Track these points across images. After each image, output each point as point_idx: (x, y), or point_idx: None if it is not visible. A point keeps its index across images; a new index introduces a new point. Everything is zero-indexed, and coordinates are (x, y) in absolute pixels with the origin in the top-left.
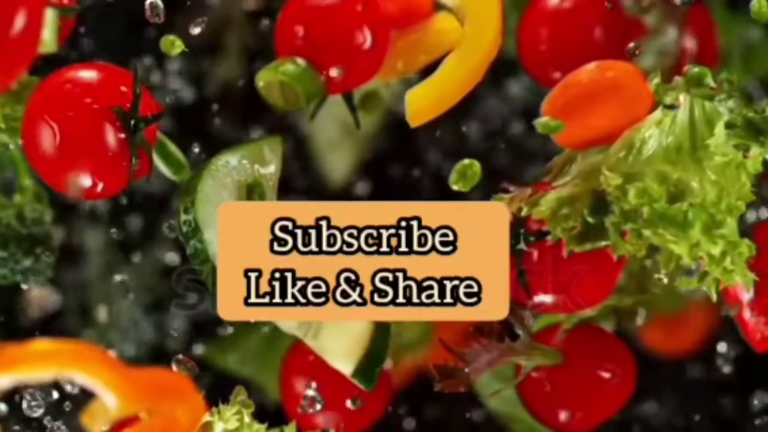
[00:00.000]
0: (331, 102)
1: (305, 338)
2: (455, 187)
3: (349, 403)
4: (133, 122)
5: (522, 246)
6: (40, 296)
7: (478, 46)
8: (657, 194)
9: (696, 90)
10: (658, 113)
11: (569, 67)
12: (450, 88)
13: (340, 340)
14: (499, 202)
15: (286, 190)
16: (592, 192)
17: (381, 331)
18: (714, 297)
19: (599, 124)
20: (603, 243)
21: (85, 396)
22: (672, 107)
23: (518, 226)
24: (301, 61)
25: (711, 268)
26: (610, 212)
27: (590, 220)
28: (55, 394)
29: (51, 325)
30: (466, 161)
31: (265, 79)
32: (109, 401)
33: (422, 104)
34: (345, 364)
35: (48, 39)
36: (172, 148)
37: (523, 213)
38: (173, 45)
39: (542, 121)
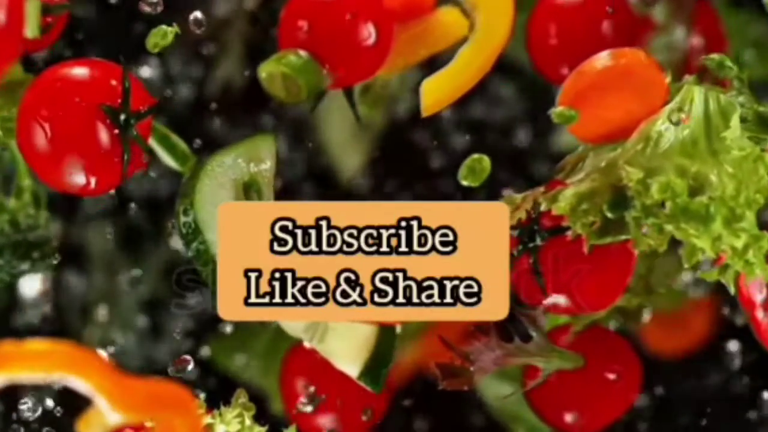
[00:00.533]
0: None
1: (311, 342)
2: (464, 183)
3: (361, 416)
4: (123, 117)
5: (538, 242)
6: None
7: (492, 37)
8: (680, 188)
9: (709, 84)
10: (672, 105)
11: (579, 63)
12: (465, 78)
13: (346, 342)
14: (503, 201)
15: (299, 188)
16: (611, 187)
17: (386, 333)
18: (732, 290)
19: (614, 115)
20: (623, 237)
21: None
22: (677, 124)
23: (533, 223)
24: (303, 53)
25: (733, 261)
26: (630, 207)
27: (609, 215)
28: (51, 400)
29: (50, 325)
30: (476, 156)
31: (267, 70)
32: (104, 408)
33: (438, 95)
34: (351, 367)
35: (31, 30)
36: (176, 139)
37: (543, 208)
38: (165, 35)
39: (557, 111)
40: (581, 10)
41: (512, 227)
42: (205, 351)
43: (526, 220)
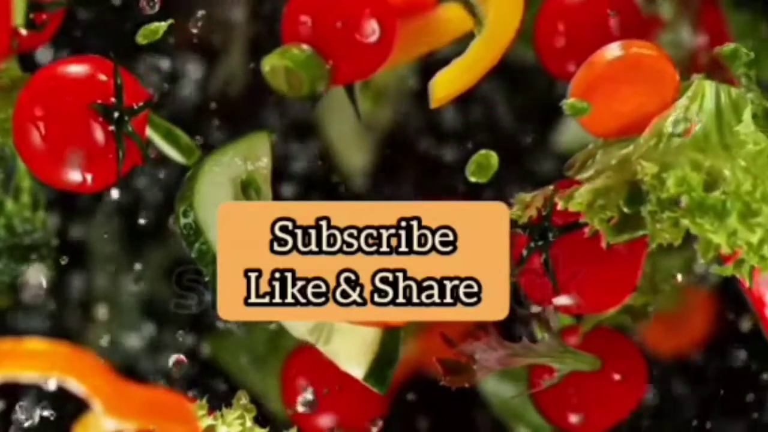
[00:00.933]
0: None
1: (317, 343)
2: (472, 179)
3: (362, 416)
4: (117, 114)
5: (550, 239)
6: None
7: (503, 31)
8: (695, 182)
9: (720, 79)
10: (684, 100)
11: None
12: (476, 72)
13: (351, 344)
14: (515, 201)
15: (308, 186)
16: (626, 182)
17: (391, 333)
18: (749, 284)
19: (626, 108)
20: (640, 233)
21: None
22: (682, 135)
23: (544, 221)
24: (306, 47)
25: (748, 257)
26: (646, 202)
27: (626, 210)
28: (47, 404)
29: (49, 325)
30: (483, 152)
31: (270, 63)
32: (99, 412)
33: (448, 88)
34: (357, 368)
35: (18, 23)
36: (180, 133)
37: (560, 207)
38: (157, 31)
39: (569, 102)
40: (588, 8)
41: (523, 226)
42: (206, 351)
43: (536, 218)
